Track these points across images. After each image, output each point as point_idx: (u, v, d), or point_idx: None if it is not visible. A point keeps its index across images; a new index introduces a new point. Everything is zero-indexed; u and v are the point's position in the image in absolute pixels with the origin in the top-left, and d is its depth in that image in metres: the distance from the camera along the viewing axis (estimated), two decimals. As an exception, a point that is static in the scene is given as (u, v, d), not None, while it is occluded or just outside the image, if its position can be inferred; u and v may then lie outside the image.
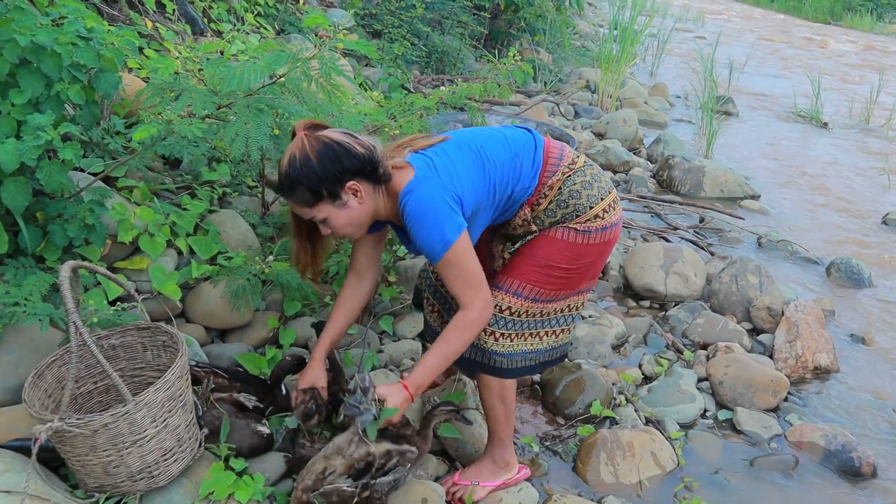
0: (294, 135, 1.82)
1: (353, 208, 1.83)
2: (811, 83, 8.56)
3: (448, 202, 1.80)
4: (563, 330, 2.18)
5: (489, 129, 2.04)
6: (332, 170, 1.76)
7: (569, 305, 2.14)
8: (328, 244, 2.11)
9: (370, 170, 1.81)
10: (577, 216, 1.99)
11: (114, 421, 1.65)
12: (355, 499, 1.85)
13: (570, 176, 1.99)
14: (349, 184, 1.79)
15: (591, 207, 1.99)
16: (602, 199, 2.01)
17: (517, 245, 2.18)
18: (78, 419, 1.61)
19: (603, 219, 2.01)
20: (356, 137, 1.82)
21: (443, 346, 1.92)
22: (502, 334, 2.05)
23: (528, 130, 2.06)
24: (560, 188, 1.98)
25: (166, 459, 1.80)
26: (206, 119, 2.39)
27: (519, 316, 2.06)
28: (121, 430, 1.66)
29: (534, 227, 2.04)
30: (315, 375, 2.13)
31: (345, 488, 1.84)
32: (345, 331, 2.23)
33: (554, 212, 2.00)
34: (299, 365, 2.23)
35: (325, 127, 1.85)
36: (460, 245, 1.83)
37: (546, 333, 2.13)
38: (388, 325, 2.91)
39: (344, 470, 1.87)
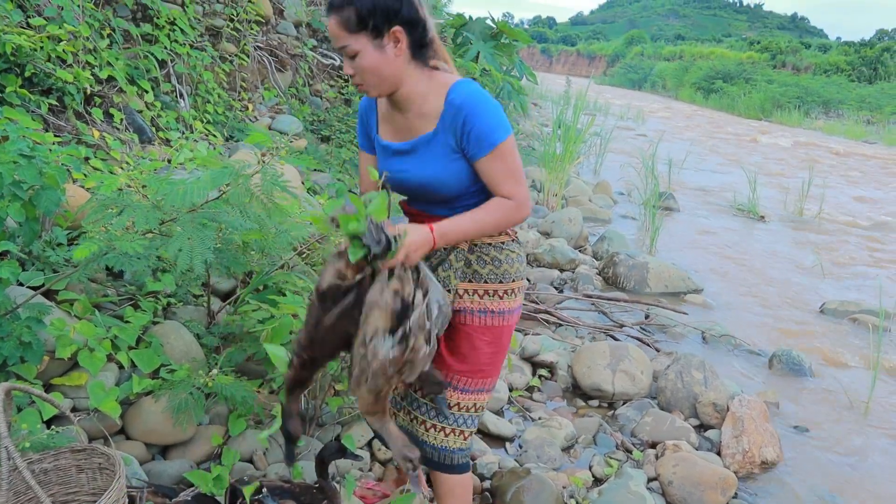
0: None
1: (387, 55, 1.76)
2: (747, 178, 8.95)
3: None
4: (476, 426, 2.17)
5: None
6: (389, 5, 1.71)
7: (489, 397, 2.16)
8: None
9: (420, 32, 1.78)
10: (501, 281, 1.99)
11: (43, 552, 1.58)
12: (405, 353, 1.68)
13: (514, 240, 2.03)
14: (396, 28, 1.73)
15: (514, 280, 2.02)
16: (522, 279, 2.06)
17: (448, 280, 2.01)
18: (4, 552, 1.55)
19: (516, 298, 2.04)
20: (422, 3, 1.79)
21: (481, 213, 1.85)
22: (452, 430, 2.07)
23: None
24: (503, 244, 1.99)
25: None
26: (149, 233, 2.39)
27: (466, 411, 2.07)
28: (50, 561, 1.59)
29: (464, 247, 1.97)
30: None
31: (390, 355, 1.67)
32: None
33: (485, 262, 1.98)
34: (340, 449, 2.19)
35: None
36: (513, 138, 1.82)
37: (475, 427, 2.15)
38: (351, 443, 2.84)
39: (386, 322, 1.67)
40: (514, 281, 2.02)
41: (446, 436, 2.08)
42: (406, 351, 1.69)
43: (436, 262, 1.98)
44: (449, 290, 1.98)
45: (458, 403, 2.05)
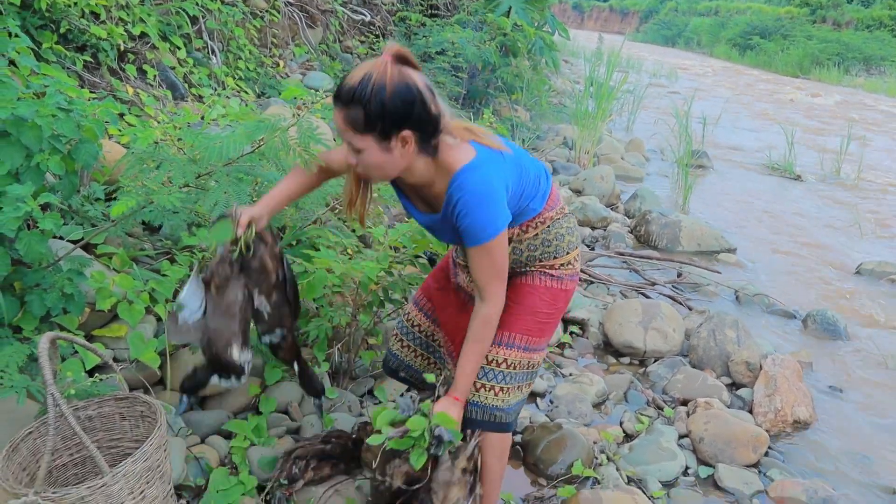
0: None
1: (393, 156, 1.73)
2: (784, 136, 8.77)
3: (503, 191, 1.81)
4: (529, 384, 2.19)
5: (522, 150, 2.07)
6: (399, 111, 1.65)
7: (542, 358, 2.17)
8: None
9: (430, 131, 1.73)
10: (555, 257, 2.04)
11: (90, 493, 1.63)
12: None
13: (559, 219, 2.04)
14: (405, 133, 1.69)
15: (568, 252, 2.06)
16: (575, 248, 2.10)
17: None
18: (53, 493, 1.59)
19: (573, 267, 2.09)
20: (434, 96, 1.73)
21: (476, 347, 1.94)
22: (501, 388, 2.04)
23: (543, 166, 2.11)
24: (549, 225, 2.02)
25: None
26: (186, 187, 2.42)
27: (514, 368, 2.05)
28: (98, 502, 1.64)
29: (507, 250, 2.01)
30: (258, 212, 2.00)
31: None
32: (292, 200, 2.16)
33: (536, 246, 2.02)
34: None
35: (413, 65, 1.72)
36: (503, 236, 1.83)
37: (528, 385, 2.15)
38: (384, 395, 2.89)
39: (462, 492, 1.90)
40: (567, 254, 2.06)
41: (496, 395, 2.05)
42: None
43: None
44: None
45: (507, 360, 2.03)
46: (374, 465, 1.93)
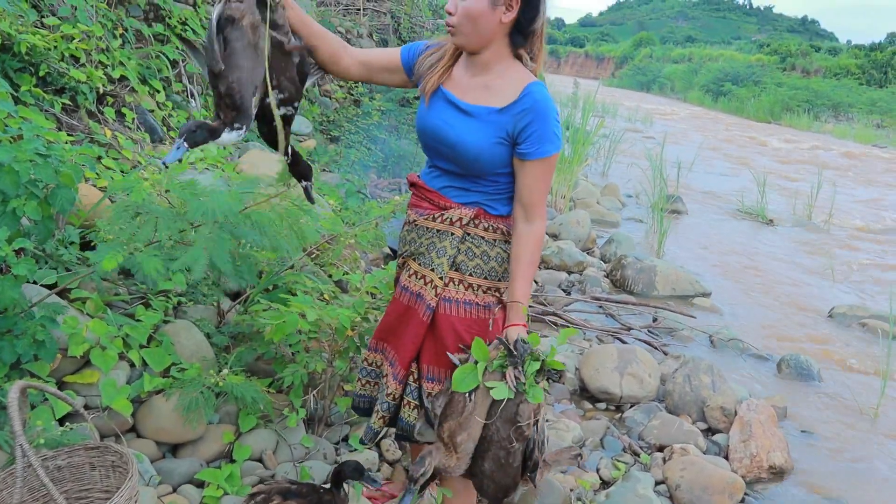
0: None
1: (494, 14, 1.78)
2: (756, 181, 8.93)
3: None
4: None
5: None
6: None
7: None
8: None
9: (531, 16, 1.80)
10: (486, 278, 1.97)
11: (57, 549, 1.59)
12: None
13: (508, 240, 1.99)
14: None
15: (500, 279, 1.99)
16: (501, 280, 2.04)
17: (442, 264, 1.99)
18: (19, 548, 1.56)
19: (503, 297, 2.01)
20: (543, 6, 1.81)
21: (530, 269, 1.90)
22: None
23: None
24: (495, 241, 1.96)
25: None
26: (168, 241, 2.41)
27: None
28: (64, 558, 1.61)
29: (458, 234, 1.95)
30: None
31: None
32: (319, 38, 1.95)
33: (473, 253, 1.96)
34: (359, 470, 2.20)
35: None
36: (555, 160, 1.86)
37: None
38: (356, 442, 2.85)
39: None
40: (500, 280, 1.99)
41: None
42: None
43: (422, 248, 2.01)
44: (441, 279, 1.97)
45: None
46: (490, 432, 1.83)
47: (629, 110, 19.69)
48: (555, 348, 1.82)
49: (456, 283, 1.98)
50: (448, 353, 1.96)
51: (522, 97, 1.80)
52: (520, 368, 1.76)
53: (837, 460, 3.48)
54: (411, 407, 2.09)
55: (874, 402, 4.02)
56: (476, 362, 1.80)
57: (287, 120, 1.86)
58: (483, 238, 1.96)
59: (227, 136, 1.75)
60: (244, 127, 1.75)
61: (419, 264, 2.02)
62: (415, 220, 2.05)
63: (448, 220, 1.95)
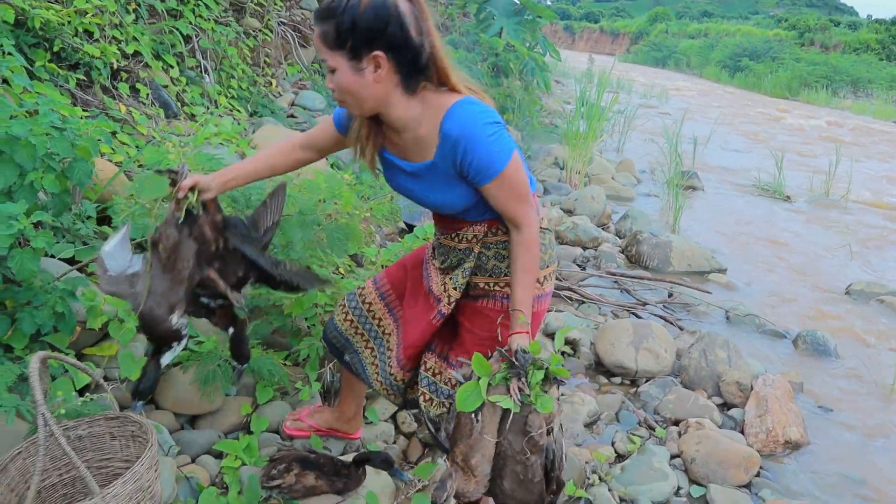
0: None
1: (365, 79, 1.62)
2: (773, 157, 8.84)
3: (502, 122, 1.72)
4: None
5: None
6: (370, 26, 1.56)
7: None
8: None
9: (408, 60, 1.62)
10: None
11: (79, 515, 1.62)
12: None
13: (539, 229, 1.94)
14: (377, 53, 1.58)
15: (544, 267, 1.96)
16: (549, 266, 1.99)
17: (458, 275, 1.99)
18: (42, 515, 1.58)
19: (543, 286, 1.98)
20: (422, 23, 1.62)
21: (526, 276, 1.82)
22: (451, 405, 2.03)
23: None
24: None
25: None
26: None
27: None
28: (87, 524, 1.63)
29: (476, 250, 1.93)
30: (207, 180, 1.89)
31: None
32: (260, 177, 2.05)
33: (503, 256, 1.93)
34: (388, 462, 2.25)
35: None
36: (516, 157, 1.72)
37: None
38: (374, 416, 2.86)
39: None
40: (540, 270, 1.94)
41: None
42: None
43: (454, 263, 1.99)
44: (455, 289, 1.98)
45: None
46: (503, 448, 1.76)
47: (644, 86, 19.49)
48: (567, 327, 1.81)
49: (492, 285, 1.97)
50: (451, 370, 1.97)
51: (443, 137, 1.68)
52: (523, 379, 1.71)
53: (853, 435, 3.47)
54: (427, 399, 2.08)
55: (891, 378, 4.00)
56: (479, 378, 1.75)
57: (210, 310, 2.03)
58: (501, 241, 1.93)
59: (167, 356, 1.92)
60: (175, 344, 1.90)
61: (445, 272, 2.03)
62: (439, 238, 2.04)
63: (464, 238, 1.94)
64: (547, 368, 1.72)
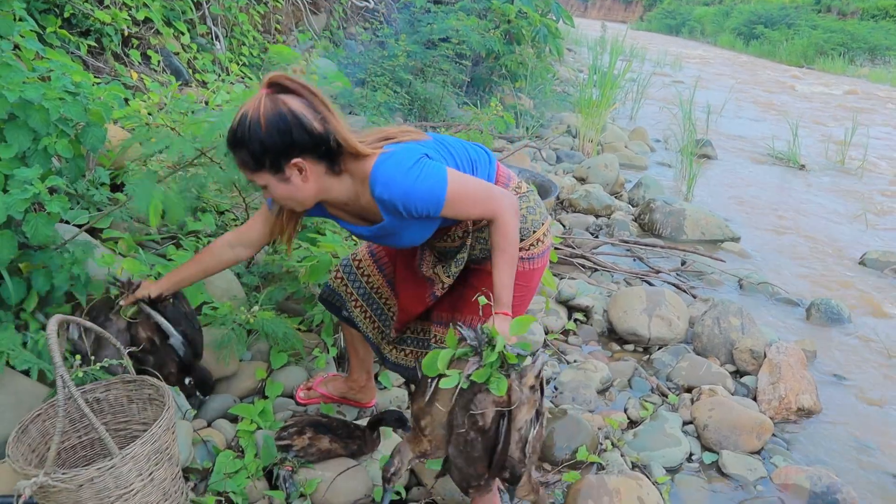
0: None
1: (294, 185, 1.71)
2: (788, 126, 8.74)
3: (421, 154, 1.75)
4: None
5: (453, 137, 2.04)
6: (278, 142, 1.63)
7: None
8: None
9: (323, 151, 1.69)
10: (522, 239, 1.98)
11: (100, 475, 1.63)
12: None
13: (517, 196, 2.00)
14: (295, 160, 1.66)
15: (534, 231, 2.02)
16: (542, 224, 2.05)
17: (451, 265, 2.07)
18: (63, 474, 1.60)
19: (543, 243, 2.05)
20: (318, 109, 1.67)
21: (504, 256, 1.82)
22: None
23: (484, 148, 2.07)
24: None
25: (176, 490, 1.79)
26: (190, 167, 2.42)
27: None
28: (107, 484, 1.65)
29: (468, 243, 2.00)
30: (145, 290, 2.09)
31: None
32: (196, 279, 2.18)
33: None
34: (401, 420, 2.26)
35: (291, 89, 1.67)
36: (453, 175, 1.75)
37: None
38: (388, 381, 2.88)
39: (530, 413, 1.76)
40: (534, 232, 2.02)
41: None
42: (544, 426, 1.82)
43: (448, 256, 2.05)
44: (449, 277, 2.06)
45: None
46: (452, 418, 1.79)
47: (658, 54, 19.25)
48: (527, 317, 1.80)
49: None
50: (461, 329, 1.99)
51: (379, 202, 1.76)
52: (476, 358, 1.72)
53: (866, 404, 3.47)
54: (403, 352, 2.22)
55: (905, 346, 3.98)
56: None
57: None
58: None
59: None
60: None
61: (439, 261, 2.10)
62: (430, 243, 2.05)
63: (455, 236, 2.00)
64: (502, 353, 1.71)
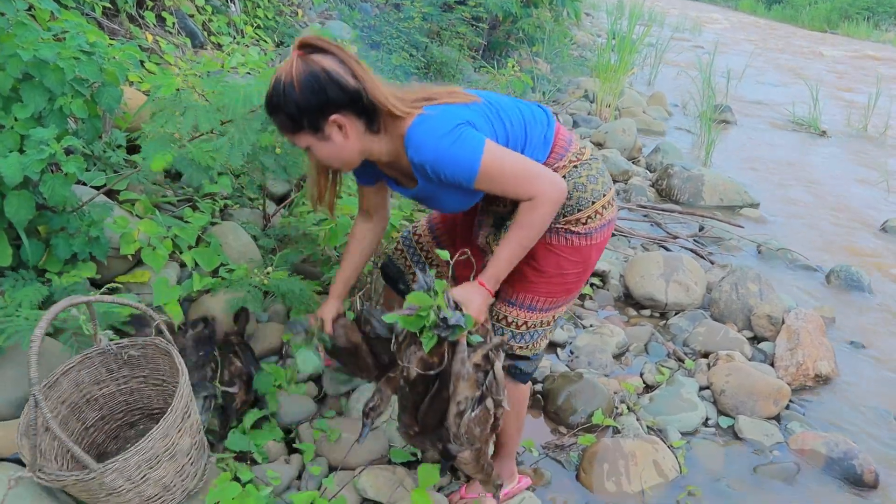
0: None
1: (336, 143, 1.71)
2: (809, 91, 8.60)
3: (462, 121, 1.69)
4: (549, 334, 2.12)
5: (506, 96, 1.96)
6: (313, 101, 1.63)
7: (567, 306, 2.13)
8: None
9: (360, 106, 1.67)
10: (579, 210, 1.88)
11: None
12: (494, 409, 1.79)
13: (576, 166, 1.89)
14: (333, 117, 1.66)
15: (593, 203, 1.89)
16: (604, 196, 1.93)
17: (502, 232, 1.99)
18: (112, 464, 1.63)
19: (602, 216, 1.93)
20: (350, 67, 1.66)
21: (520, 233, 1.76)
22: (521, 347, 2.01)
23: (542, 108, 1.98)
24: (564, 177, 1.87)
25: (182, 479, 1.83)
26: (211, 133, 2.41)
27: (534, 328, 2.00)
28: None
29: (509, 206, 1.92)
30: (329, 309, 2.19)
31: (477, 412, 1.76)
32: (360, 270, 2.23)
33: None
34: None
35: (323, 48, 1.66)
36: (491, 147, 1.69)
37: (547, 336, 2.09)
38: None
39: (472, 391, 1.74)
40: (593, 203, 1.89)
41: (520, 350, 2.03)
42: (490, 411, 1.77)
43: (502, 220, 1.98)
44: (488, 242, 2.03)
45: (527, 322, 1.98)
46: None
47: (677, 18, 18.92)
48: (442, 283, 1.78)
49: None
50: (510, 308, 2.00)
51: (412, 165, 1.74)
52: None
53: (885, 370, 3.44)
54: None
55: (926, 313, 3.94)
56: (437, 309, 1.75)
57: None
58: None
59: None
60: None
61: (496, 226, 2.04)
62: (485, 206, 2.03)
63: (506, 202, 1.92)
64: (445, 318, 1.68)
